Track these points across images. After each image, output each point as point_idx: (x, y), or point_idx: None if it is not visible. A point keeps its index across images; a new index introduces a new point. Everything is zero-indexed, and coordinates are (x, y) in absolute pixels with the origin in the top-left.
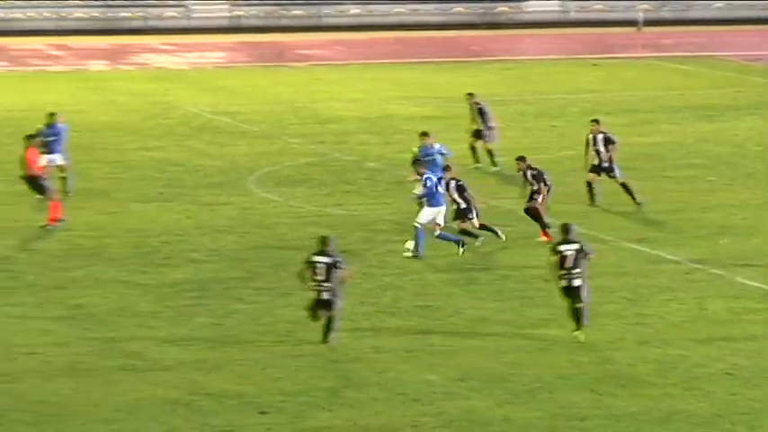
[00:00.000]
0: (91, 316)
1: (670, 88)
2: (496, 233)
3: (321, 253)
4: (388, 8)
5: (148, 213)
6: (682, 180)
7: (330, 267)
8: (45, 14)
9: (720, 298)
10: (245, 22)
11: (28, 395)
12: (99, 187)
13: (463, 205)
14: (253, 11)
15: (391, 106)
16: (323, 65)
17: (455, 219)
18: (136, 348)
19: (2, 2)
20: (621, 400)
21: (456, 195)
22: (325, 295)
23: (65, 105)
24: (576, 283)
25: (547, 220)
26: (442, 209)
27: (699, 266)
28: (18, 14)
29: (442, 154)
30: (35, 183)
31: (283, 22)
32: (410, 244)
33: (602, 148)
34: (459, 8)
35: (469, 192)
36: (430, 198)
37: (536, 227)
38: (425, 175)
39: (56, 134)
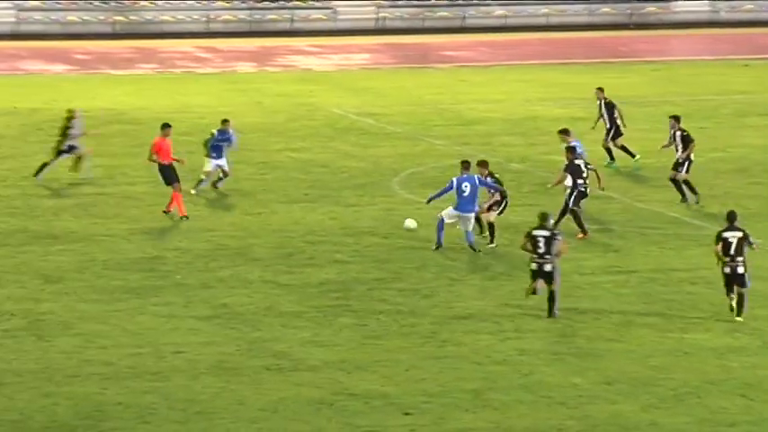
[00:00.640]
0: (237, 315)
1: None
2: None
3: (541, 227)
4: (534, 9)
5: (293, 214)
6: None
7: (549, 240)
8: (193, 17)
9: None
10: (390, 24)
11: (175, 393)
12: (244, 188)
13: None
14: (398, 12)
15: (536, 107)
16: (467, 66)
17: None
18: (281, 348)
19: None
20: None
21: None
22: (547, 267)
23: (212, 107)
24: (740, 270)
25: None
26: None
27: None
28: (167, 17)
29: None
30: (164, 172)
31: (428, 23)
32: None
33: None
34: (606, 8)
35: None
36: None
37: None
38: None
39: (226, 140)
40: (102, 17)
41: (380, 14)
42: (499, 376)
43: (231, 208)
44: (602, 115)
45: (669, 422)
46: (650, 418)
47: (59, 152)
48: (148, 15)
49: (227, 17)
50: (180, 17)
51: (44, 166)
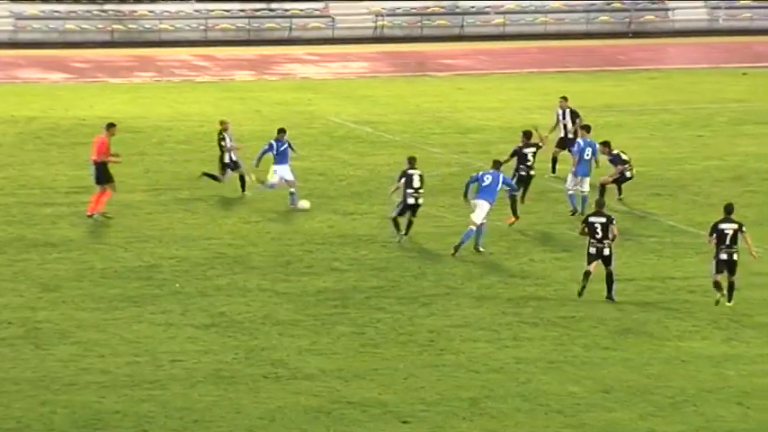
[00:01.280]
0: (234, 324)
1: None
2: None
3: (597, 214)
4: (532, 17)
5: (291, 222)
6: None
7: (606, 226)
8: (191, 25)
9: None
10: (388, 33)
11: (173, 402)
12: (242, 196)
13: None
14: (396, 21)
15: (534, 116)
16: (465, 74)
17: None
18: (279, 356)
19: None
20: None
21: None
22: (606, 251)
23: (210, 115)
24: (736, 257)
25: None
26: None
27: None
28: (165, 26)
29: None
30: (100, 170)
31: (426, 31)
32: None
33: (568, 123)
34: (604, 17)
35: None
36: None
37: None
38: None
39: (286, 149)
40: (100, 26)
41: (378, 23)
42: (496, 384)
43: (229, 216)
44: (563, 124)
45: (666, 430)
46: (647, 427)
47: (225, 165)
48: (147, 24)
49: (224, 25)
50: (178, 25)
51: (211, 176)
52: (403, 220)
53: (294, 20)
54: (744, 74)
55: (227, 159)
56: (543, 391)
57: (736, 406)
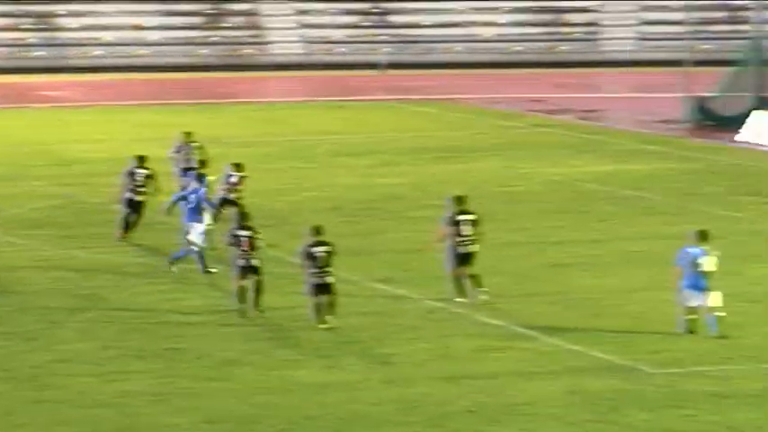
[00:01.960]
0: None
1: (411, 130)
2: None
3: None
4: (132, 50)
5: None
6: (422, 220)
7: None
8: None
9: (463, 336)
10: None
11: None
12: None
13: None
14: None
15: (138, 147)
16: (67, 106)
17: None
18: None
19: None
20: None
21: None
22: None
23: None
24: (330, 279)
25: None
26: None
27: (441, 305)
28: None
29: None
30: None
31: (26, 62)
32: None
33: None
34: (204, 50)
35: None
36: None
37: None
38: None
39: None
40: None
41: None
42: (102, 419)
43: None
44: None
45: None
46: None
47: None
48: None
49: None
50: None
51: None
52: None
53: None
54: (340, 107)
55: None
56: (149, 423)
57: None
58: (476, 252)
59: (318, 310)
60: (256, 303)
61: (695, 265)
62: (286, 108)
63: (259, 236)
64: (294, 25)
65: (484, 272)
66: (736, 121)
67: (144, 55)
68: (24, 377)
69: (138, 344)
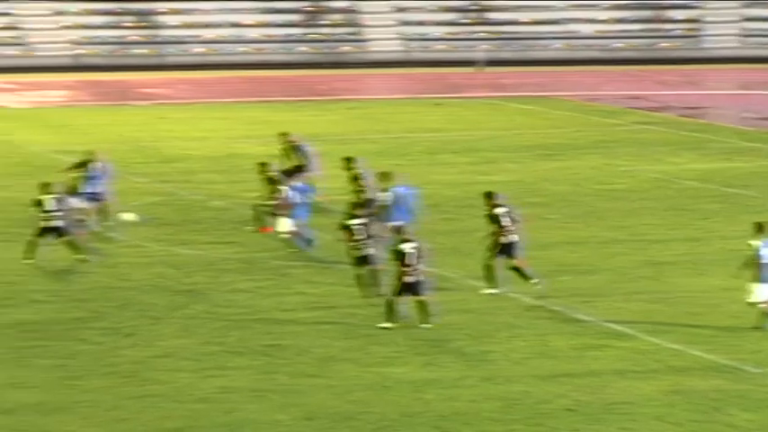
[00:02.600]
0: None
1: (511, 128)
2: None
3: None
4: (232, 47)
5: None
6: (523, 218)
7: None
8: None
9: (562, 334)
10: (87, 61)
11: None
12: None
13: None
14: (95, 49)
15: (237, 145)
16: (167, 104)
17: None
18: None
19: None
20: None
21: None
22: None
23: None
24: (418, 278)
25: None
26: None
27: (540, 303)
28: None
29: None
30: None
31: (126, 60)
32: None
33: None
34: (303, 48)
35: None
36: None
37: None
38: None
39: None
40: None
41: (77, 51)
42: (201, 414)
43: None
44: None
45: None
46: None
47: None
48: None
49: None
50: None
51: None
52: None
53: None
54: (438, 104)
55: None
56: (248, 419)
57: (434, 430)
58: (517, 242)
59: (391, 307)
60: (371, 293)
61: (758, 257)
62: (384, 105)
63: (374, 226)
64: (393, 22)
65: (583, 269)
66: None
67: (243, 52)
68: (126, 373)
69: (238, 340)
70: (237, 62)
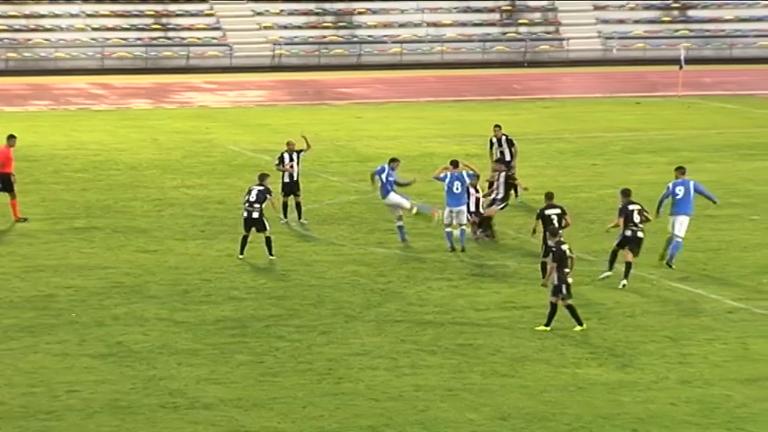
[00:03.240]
0: (132, 353)
1: (711, 127)
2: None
3: (551, 206)
4: (428, 47)
5: (189, 251)
6: (723, 219)
7: (561, 217)
8: (88, 54)
9: (763, 337)
10: (285, 61)
11: None
12: (140, 225)
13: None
14: (294, 50)
15: (431, 144)
16: (363, 103)
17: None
18: (177, 386)
19: (44, 41)
20: None
21: None
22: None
23: (106, 144)
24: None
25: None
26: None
27: (741, 305)
28: (61, 54)
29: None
30: (6, 181)
31: (323, 60)
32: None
33: (506, 149)
34: (500, 46)
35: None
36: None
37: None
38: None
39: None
40: None
41: (276, 51)
42: (395, 412)
43: (126, 245)
44: (500, 151)
45: None
46: None
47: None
48: (42, 52)
49: (121, 53)
50: (74, 54)
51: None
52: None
53: (192, 48)
54: (637, 103)
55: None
56: (442, 418)
57: None
58: (642, 239)
59: (555, 308)
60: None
61: None
62: (581, 104)
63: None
64: (592, 21)
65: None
66: None
67: (439, 51)
68: (321, 370)
69: (432, 339)
70: (433, 62)
